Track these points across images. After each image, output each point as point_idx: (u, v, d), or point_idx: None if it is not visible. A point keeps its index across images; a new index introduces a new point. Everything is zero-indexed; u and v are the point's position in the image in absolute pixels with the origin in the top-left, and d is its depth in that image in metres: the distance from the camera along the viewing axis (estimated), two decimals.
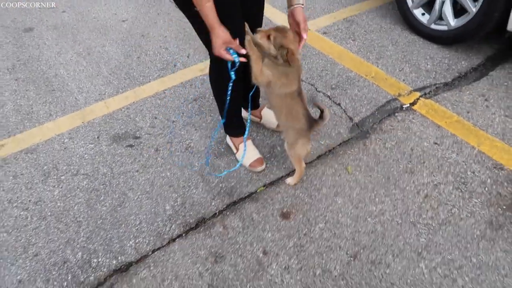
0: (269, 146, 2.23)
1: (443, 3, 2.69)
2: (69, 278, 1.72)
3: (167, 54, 3.02)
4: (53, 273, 1.74)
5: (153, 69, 2.89)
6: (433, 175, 2.00)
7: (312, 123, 1.77)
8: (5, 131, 2.47)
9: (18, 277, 1.73)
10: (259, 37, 1.61)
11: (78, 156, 2.28)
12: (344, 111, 2.41)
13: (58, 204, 2.02)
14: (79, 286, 1.69)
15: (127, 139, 2.36)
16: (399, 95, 2.48)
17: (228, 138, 2.21)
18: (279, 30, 1.61)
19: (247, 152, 2.10)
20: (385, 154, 2.13)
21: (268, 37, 1.60)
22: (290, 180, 2.02)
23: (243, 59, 1.64)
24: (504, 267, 1.62)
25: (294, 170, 2.00)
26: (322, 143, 2.23)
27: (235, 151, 2.18)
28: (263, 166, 2.10)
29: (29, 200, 2.04)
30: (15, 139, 2.41)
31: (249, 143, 2.15)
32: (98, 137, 2.39)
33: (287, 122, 1.82)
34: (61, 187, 2.11)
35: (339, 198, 1.95)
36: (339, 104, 2.46)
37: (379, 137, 2.23)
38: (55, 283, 1.70)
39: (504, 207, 1.82)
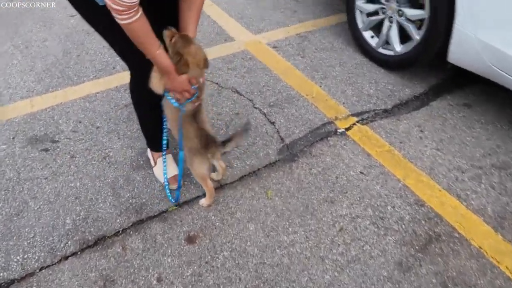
0: None
1: (390, 27, 2.64)
2: None
3: (109, 55, 2.89)
4: None
5: (91, 70, 2.75)
6: (353, 207, 1.92)
7: (209, 143, 1.69)
8: None
9: None
10: (165, 35, 1.54)
11: None
12: (277, 131, 2.32)
13: None
14: None
15: (44, 142, 2.22)
16: (336, 118, 2.41)
17: (148, 151, 2.10)
18: (184, 37, 1.55)
19: (165, 167, 1.98)
20: (309, 180, 2.05)
21: (171, 39, 1.52)
22: (203, 201, 1.91)
23: None
24: None
25: (218, 186, 1.90)
26: (248, 163, 2.14)
27: (153, 164, 2.06)
28: (174, 186, 1.98)
29: None
30: None
31: (168, 157, 2.04)
32: (13, 138, 2.24)
33: (183, 141, 1.74)
34: None
35: (252, 225, 1.85)
36: (273, 123, 2.37)
37: (307, 162, 2.14)
38: None
39: (417, 247, 1.76)
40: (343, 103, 2.52)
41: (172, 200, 1.90)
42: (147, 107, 1.84)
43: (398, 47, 2.64)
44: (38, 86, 2.60)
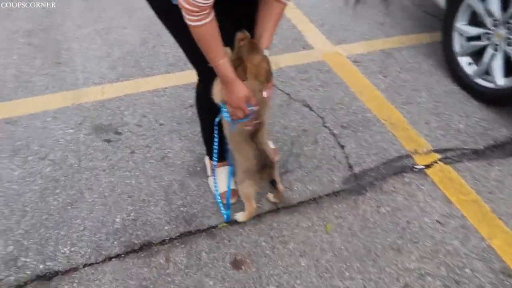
0: None
1: (493, 56, 2.30)
2: None
3: None
4: None
5: (163, 63, 2.72)
6: (423, 262, 1.67)
7: (266, 167, 1.54)
8: None
9: None
10: (237, 36, 1.44)
11: (53, 139, 2.15)
12: (346, 157, 2.11)
13: (14, 186, 1.91)
14: None
15: (108, 132, 2.21)
16: (415, 152, 2.14)
17: (206, 158, 2.00)
18: (253, 45, 1.43)
19: (220, 180, 1.87)
20: (375, 220, 1.83)
21: (240, 42, 1.43)
22: (239, 215, 1.78)
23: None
24: None
25: (274, 209, 1.76)
26: (309, 188, 1.96)
27: (209, 174, 1.96)
28: (233, 200, 1.86)
29: None
30: (3, 105, 2.34)
31: (224, 169, 1.92)
32: (80, 123, 2.25)
33: (236, 156, 1.61)
34: (24, 168, 1.99)
35: (304, 260, 1.68)
36: (343, 147, 2.16)
37: (375, 198, 1.92)
38: None
39: None
40: (426, 135, 2.24)
41: (225, 217, 1.79)
42: (209, 113, 1.73)
43: (501, 80, 2.29)
44: (111, 73, 2.62)
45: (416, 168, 2.07)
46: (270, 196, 1.86)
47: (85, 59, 2.73)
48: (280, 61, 2.47)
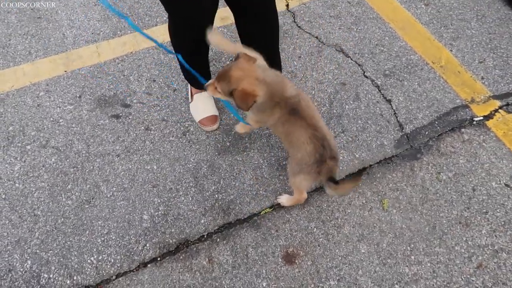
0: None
1: None
2: None
3: None
4: None
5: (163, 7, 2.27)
6: (495, 235, 1.49)
7: (324, 156, 1.26)
8: None
9: None
10: (210, 92, 1.30)
11: (51, 119, 1.84)
12: (394, 113, 1.83)
13: (17, 185, 1.64)
14: None
15: (114, 105, 1.88)
16: (472, 100, 1.86)
17: (188, 85, 1.87)
18: (221, 75, 1.24)
19: (200, 105, 1.78)
20: (436, 189, 1.61)
21: (216, 89, 1.27)
22: (284, 199, 1.56)
23: None
24: None
25: (318, 188, 1.53)
26: (357, 156, 1.71)
27: (190, 100, 1.84)
28: (215, 126, 1.76)
29: None
30: None
31: (204, 95, 1.78)
32: (80, 96, 1.92)
33: (289, 149, 1.37)
34: (24, 161, 1.71)
35: (364, 245, 1.49)
36: (389, 101, 1.87)
37: (434, 162, 1.68)
38: None
39: None
40: (482, 78, 1.94)
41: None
42: (188, 52, 1.52)
43: None
44: (105, 26, 2.20)
45: (475, 120, 1.80)
46: None
47: (69, 10, 2.27)
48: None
